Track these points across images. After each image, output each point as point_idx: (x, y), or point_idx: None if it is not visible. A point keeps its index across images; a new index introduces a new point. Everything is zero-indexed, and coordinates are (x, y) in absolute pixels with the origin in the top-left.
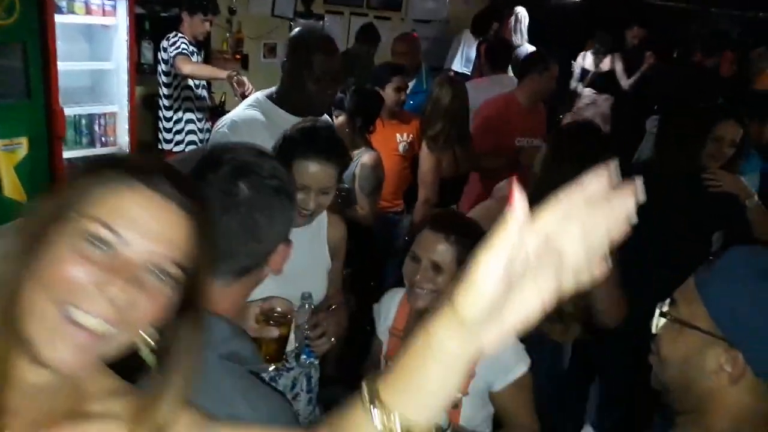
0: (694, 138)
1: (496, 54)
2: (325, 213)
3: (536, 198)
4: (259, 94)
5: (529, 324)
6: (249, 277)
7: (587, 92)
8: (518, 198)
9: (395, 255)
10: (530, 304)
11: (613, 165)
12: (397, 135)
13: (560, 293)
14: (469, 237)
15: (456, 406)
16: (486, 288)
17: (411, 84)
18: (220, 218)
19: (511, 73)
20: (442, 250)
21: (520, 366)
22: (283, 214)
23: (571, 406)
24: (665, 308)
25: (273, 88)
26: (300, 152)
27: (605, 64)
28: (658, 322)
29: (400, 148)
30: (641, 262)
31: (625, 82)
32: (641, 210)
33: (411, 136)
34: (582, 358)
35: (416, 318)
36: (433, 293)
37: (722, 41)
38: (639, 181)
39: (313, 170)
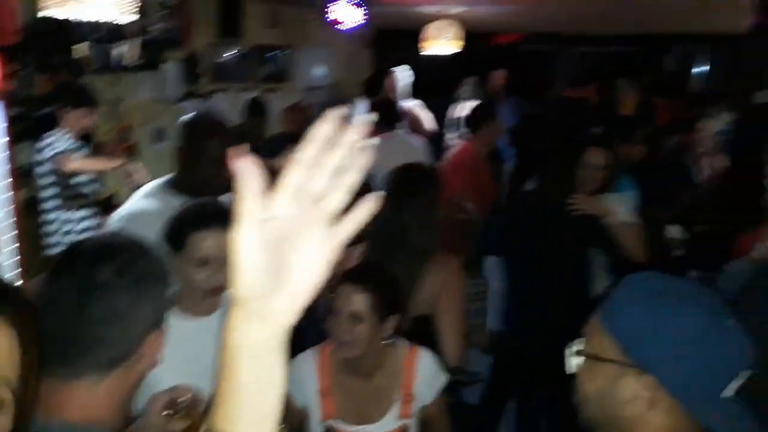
0: (566, 166)
1: (383, 112)
2: None
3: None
4: (153, 183)
5: (320, 279)
6: (122, 371)
7: (455, 140)
8: (247, 169)
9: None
10: (311, 258)
11: (338, 112)
12: None
13: (340, 237)
14: (384, 285)
15: (404, 430)
16: (246, 262)
17: None
18: (79, 306)
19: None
20: (359, 300)
21: (441, 376)
22: (151, 299)
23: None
24: (577, 346)
25: (168, 176)
26: (192, 227)
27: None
28: (573, 362)
29: None
30: (532, 282)
31: None
32: (531, 235)
33: None
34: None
35: (342, 370)
36: (354, 342)
37: (589, 75)
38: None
39: (210, 241)
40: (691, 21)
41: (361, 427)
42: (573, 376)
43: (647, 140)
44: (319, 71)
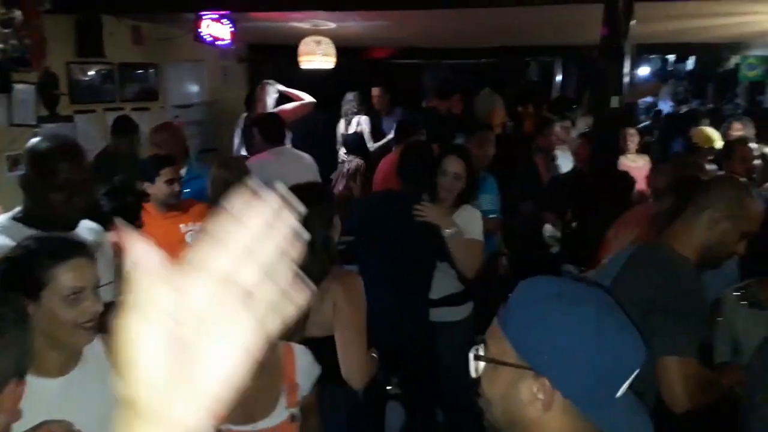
0: (425, 174)
1: (268, 128)
2: None
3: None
4: (2, 217)
5: (238, 377)
6: None
7: (340, 154)
8: (138, 248)
9: None
10: (227, 356)
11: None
12: (181, 226)
13: (266, 329)
14: None
15: (293, 418)
16: (143, 360)
17: (183, 171)
18: None
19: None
20: None
21: (315, 367)
22: (12, 345)
23: None
24: (478, 351)
25: (17, 208)
26: (54, 260)
27: (352, 127)
28: (476, 366)
29: (188, 238)
30: (370, 272)
31: (371, 144)
32: (377, 227)
33: (198, 223)
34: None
35: None
36: None
37: (453, 86)
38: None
39: (78, 271)
40: (550, 34)
41: (254, 424)
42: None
43: (510, 144)
44: (190, 88)
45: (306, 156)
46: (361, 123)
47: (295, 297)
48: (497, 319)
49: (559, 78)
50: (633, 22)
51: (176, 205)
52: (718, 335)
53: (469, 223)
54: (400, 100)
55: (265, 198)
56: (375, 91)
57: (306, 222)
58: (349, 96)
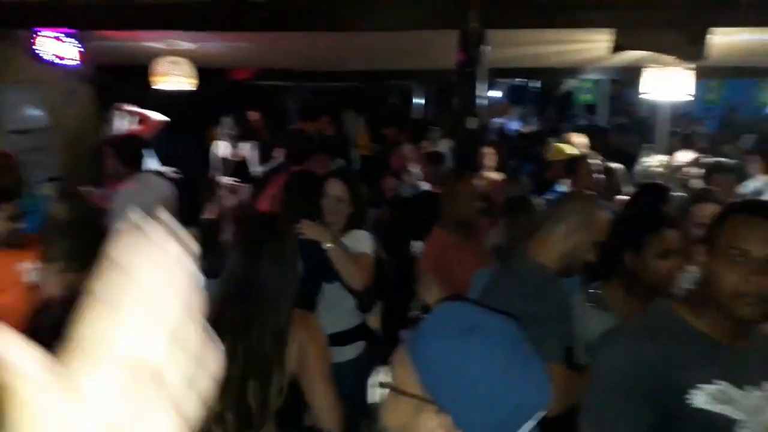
0: (312, 198)
1: (127, 151)
2: None
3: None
4: None
5: None
6: None
7: (227, 181)
8: (18, 353)
9: None
10: None
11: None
12: (17, 264)
13: (185, 415)
14: None
15: None
16: None
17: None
18: None
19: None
20: None
21: None
22: None
23: None
24: (382, 376)
25: None
26: None
27: (239, 152)
28: (376, 392)
29: (28, 277)
30: None
31: (255, 168)
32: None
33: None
34: None
35: None
36: None
37: (321, 108)
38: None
39: None
40: (410, 59)
41: None
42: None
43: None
44: (30, 112)
45: (167, 182)
46: (243, 148)
47: (210, 363)
48: (405, 343)
49: (418, 101)
50: (486, 48)
51: (12, 243)
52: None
53: (357, 242)
54: (272, 122)
55: (157, 239)
56: (254, 115)
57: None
58: (227, 120)
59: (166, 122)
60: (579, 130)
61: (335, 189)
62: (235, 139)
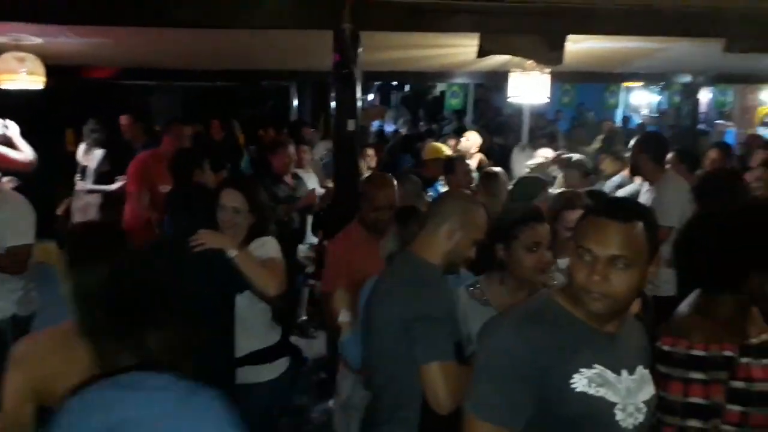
0: (204, 208)
1: None
2: None
3: None
4: None
5: None
6: None
7: (85, 188)
8: None
9: None
10: None
11: None
12: None
13: None
14: None
15: None
16: None
17: None
18: None
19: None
20: None
21: None
22: None
23: None
24: None
25: None
26: None
27: (93, 158)
28: None
29: None
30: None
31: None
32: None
33: None
34: None
35: None
36: None
37: (208, 111)
38: None
39: None
40: (286, 59)
41: None
42: None
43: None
44: None
45: (18, 195)
46: (94, 154)
47: None
48: None
49: (295, 102)
50: (360, 50)
51: None
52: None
53: (263, 248)
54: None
55: None
56: (124, 120)
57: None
58: (90, 123)
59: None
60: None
61: (231, 199)
62: (96, 144)
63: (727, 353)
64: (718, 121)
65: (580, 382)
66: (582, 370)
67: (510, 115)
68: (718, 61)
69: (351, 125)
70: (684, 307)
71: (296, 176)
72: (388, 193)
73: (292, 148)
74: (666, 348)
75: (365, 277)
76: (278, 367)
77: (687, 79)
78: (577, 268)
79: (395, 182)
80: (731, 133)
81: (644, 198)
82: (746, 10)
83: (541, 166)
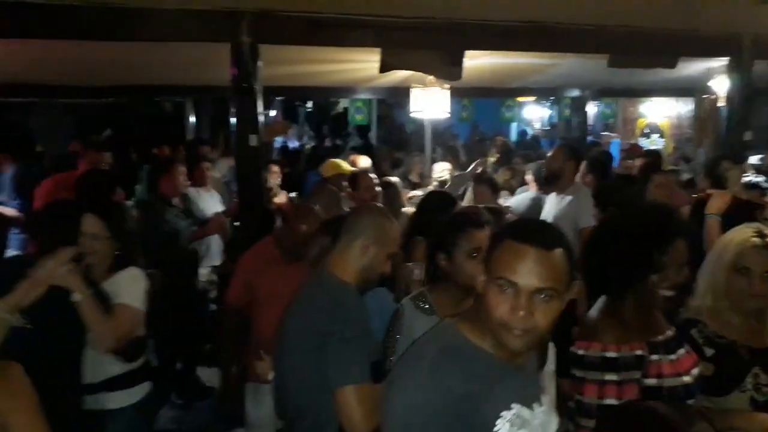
0: (66, 236)
1: None
2: None
3: None
4: None
5: None
6: None
7: None
8: None
9: None
10: None
11: None
12: None
13: None
14: None
15: None
16: None
17: None
18: None
19: None
20: None
21: None
22: None
23: None
24: None
25: None
26: None
27: None
28: None
29: None
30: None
31: None
32: None
33: None
34: None
35: None
36: None
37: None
38: None
39: None
40: (181, 73)
41: None
42: None
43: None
44: None
45: None
46: None
47: None
48: None
49: (192, 119)
50: (260, 64)
51: None
52: (400, 345)
53: (122, 287)
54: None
55: None
56: None
57: None
58: None
59: None
60: (355, 149)
61: (90, 226)
62: None
63: (638, 352)
64: (603, 133)
65: (503, 427)
66: (503, 413)
67: (413, 132)
68: (603, 76)
69: (253, 141)
70: (593, 311)
71: (187, 197)
72: (312, 224)
73: (182, 168)
74: (580, 352)
75: (273, 298)
76: (139, 392)
77: (576, 93)
78: (496, 302)
79: (317, 211)
80: (616, 144)
81: (560, 207)
82: (627, 29)
83: (460, 178)
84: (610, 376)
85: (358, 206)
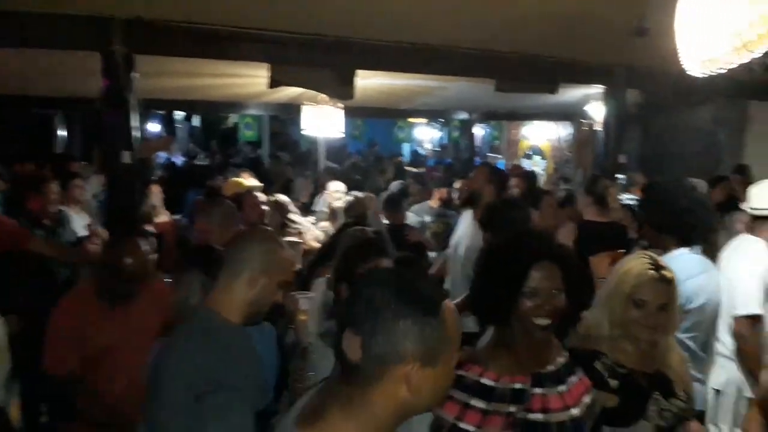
0: None
1: None
2: None
3: None
4: None
5: None
6: None
7: None
8: None
9: None
10: None
11: None
12: None
13: None
14: None
15: None
16: None
17: None
18: None
19: None
20: None
21: None
22: None
23: None
24: None
25: None
26: None
27: None
28: None
29: None
30: None
31: None
32: None
33: None
34: None
35: None
36: None
37: None
38: None
39: None
40: (48, 83)
41: None
42: None
43: None
44: None
45: None
46: None
47: None
48: None
49: (63, 133)
50: (135, 75)
51: None
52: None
53: None
54: None
55: None
56: None
57: None
58: None
59: None
60: (242, 164)
61: None
62: None
63: (518, 385)
64: (489, 154)
65: None
66: None
67: (308, 150)
68: (489, 99)
69: (126, 157)
70: (484, 339)
71: (57, 218)
72: (139, 258)
73: (54, 186)
74: (460, 372)
75: (108, 351)
76: None
77: (463, 116)
78: None
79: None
80: (501, 165)
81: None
82: (512, 54)
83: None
84: (477, 403)
85: (242, 232)
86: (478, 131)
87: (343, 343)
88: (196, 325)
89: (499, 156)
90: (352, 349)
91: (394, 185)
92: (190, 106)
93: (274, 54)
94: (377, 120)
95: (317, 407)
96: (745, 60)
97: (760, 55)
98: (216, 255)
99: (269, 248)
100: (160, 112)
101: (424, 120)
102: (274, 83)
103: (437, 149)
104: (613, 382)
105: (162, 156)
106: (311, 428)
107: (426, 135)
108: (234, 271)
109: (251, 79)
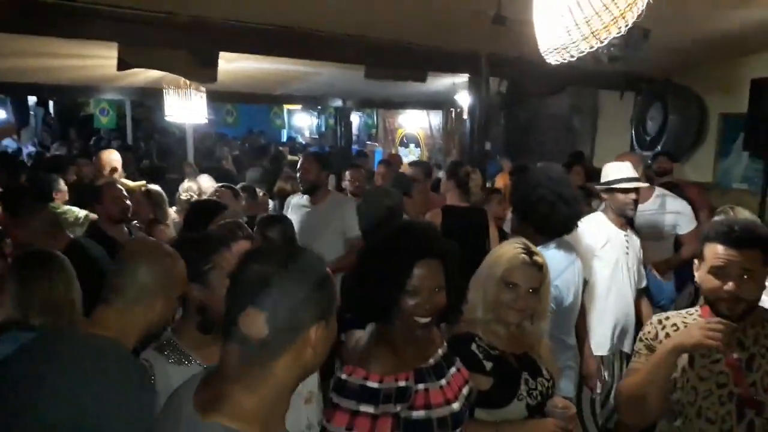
0: None
1: None
2: None
3: None
4: None
5: None
6: None
7: None
8: None
9: None
10: None
11: None
12: None
13: None
14: None
15: None
16: None
17: None
18: None
19: None
20: None
21: None
22: None
23: None
24: None
25: None
26: None
27: None
28: None
29: None
30: None
31: None
32: None
33: None
34: None
35: None
36: None
37: None
38: None
39: None
40: None
41: None
42: None
43: None
44: None
45: None
46: None
47: None
48: None
49: None
50: None
51: None
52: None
53: None
54: None
55: None
56: None
57: None
58: None
59: None
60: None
61: None
62: None
63: (402, 383)
64: (368, 142)
65: None
66: None
67: (178, 137)
68: (363, 87)
69: None
70: (364, 337)
71: None
72: None
73: None
74: (343, 377)
75: None
76: None
77: (339, 103)
78: None
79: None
80: (379, 152)
81: (324, 217)
82: (381, 40)
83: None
84: (366, 408)
85: (128, 251)
86: (355, 119)
87: (242, 326)
88: (65, 351)
89: (377, 144)
90: (255, 327)
91: (251, 173)
92: (41, 90)
93: (124, 33)
94: (256, 106)
95: (217, 393)
96: (593, 48)
97: (605, 44)
98: None
99: (164, 264)
100: (3, 96)
101: (298, 106)
102: (123, 65)
103: (316, 137)
104: (488, 364)
105: (8, 145)
106: (217, 412)
107: (304, 122)
108: (130, 299)
109: (101, 60)
